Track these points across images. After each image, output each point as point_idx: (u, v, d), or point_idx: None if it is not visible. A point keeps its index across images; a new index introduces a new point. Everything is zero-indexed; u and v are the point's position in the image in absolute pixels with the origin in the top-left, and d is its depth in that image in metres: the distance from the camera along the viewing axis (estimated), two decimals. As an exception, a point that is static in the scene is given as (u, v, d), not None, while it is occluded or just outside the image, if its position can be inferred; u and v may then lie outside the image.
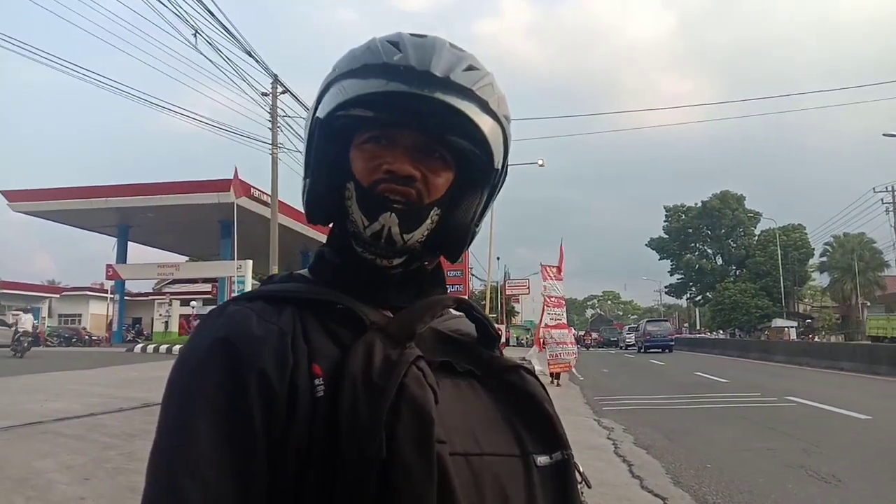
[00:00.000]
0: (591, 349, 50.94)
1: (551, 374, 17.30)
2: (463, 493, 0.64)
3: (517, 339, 57.45)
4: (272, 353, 0.67)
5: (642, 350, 42.60)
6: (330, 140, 0.79)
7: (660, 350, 40.03)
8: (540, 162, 32.42)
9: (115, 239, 36.70)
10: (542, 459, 0.71)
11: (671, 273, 73.95)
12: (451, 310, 0.85)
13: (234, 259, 27.44)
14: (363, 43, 0.79)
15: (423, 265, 0.83)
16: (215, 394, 0.65)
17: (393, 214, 0.76)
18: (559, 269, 19.34)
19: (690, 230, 70.40)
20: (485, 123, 0.76)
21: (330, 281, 0.80)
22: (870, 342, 26.96)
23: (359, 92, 0.74)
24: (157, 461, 0.65)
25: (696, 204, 70.57)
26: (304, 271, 0.85)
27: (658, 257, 73.82)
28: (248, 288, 23.77)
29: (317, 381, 0.67)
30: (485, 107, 0.76)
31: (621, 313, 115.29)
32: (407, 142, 0.76)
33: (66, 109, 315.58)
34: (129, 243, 37.42)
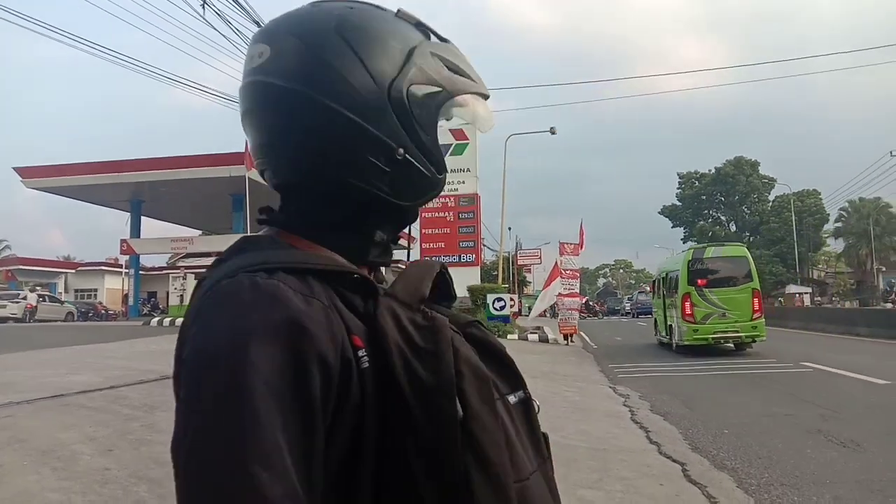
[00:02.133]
0: (600, 318, 55.00)
1: (564, 335, 20.60)
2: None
3: (529, 308, 57.54)
4: (325, 331, 0.65)
5: (634, 315, 51.61)
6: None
7: (648, 315, 41.90)
8: (552, 130, 32.10)
9: (129, 214, 36.86)
10: (511, 398, 0.77)
11: (684, 241, 73.35)
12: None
13: (246, 232, 27.51)
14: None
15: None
16: (278, 379, 0.61)
17: None
18: (578, 246, 22.42)
19: (704, 197, 69.78)
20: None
21: (316, 239, 0.79)
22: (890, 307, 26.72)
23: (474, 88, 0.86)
24: (214, 452, 0.58)
25: (709, 170, 69.84)
26: (266, 232, 0.83)
27: (671, 225, 73.33)
28: (262, 261, 24.25)
29: (360, 353, 0.67)
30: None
31: (633, 282, 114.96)
32: None
33: (78, 85, 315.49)
34: (143, 218, 37.57)
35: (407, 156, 0.78)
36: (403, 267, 0.82)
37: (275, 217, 0.84)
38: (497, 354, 0.79)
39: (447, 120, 0.89)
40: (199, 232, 44.08)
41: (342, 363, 0.65)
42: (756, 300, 16.21)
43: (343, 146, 0.75)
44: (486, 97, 0.88)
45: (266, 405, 0.59)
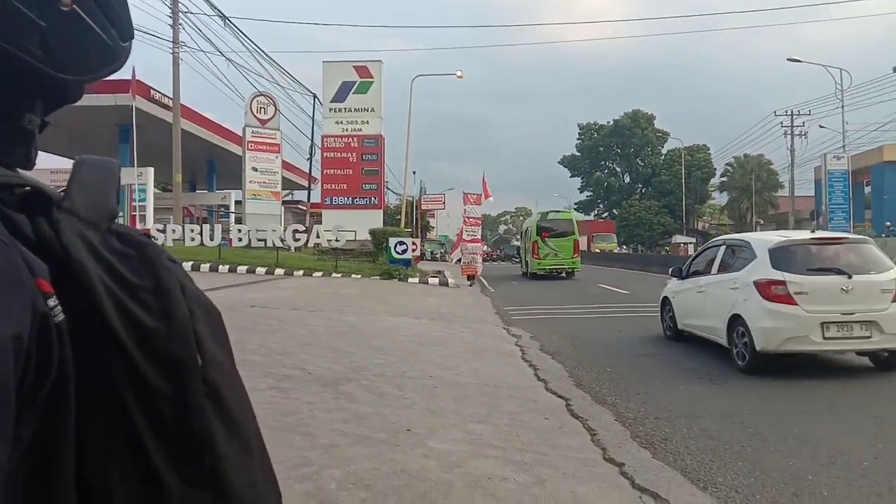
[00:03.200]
0: (496, 262, 54.74)
1: (467, 276, 23.49)
2: None
3: (431, 253, 58.05)
4: (12, 289, 0.46)
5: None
6: None
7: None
8: (459, 73, 31.87)
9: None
10: None
11: (581, 190, 75.92)
12: None
13: (134, 166, 25.97)
14: None
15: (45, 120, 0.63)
16: None
17: None
18: (480, 196, 25.38)
19: (601, 148, 71.94)
20: None
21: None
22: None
23: None
24: None
25: (608, 122, 71.90)
26: None
27: (570, 174, 75.41)
28: (150, 197, 22.37)
29: (51, 303, 0.48)
30: None
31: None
32: None
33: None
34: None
35: (76, 6, 0.53)
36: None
37: None
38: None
39: None
40: (82, 164, 41.30)
41: (40, 324, 0.47)
42: (576, 246, 26.57)
43: None
44: None
45: None
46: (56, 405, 0.49)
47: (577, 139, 73.82)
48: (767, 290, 7.17)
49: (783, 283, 7.10)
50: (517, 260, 49.01)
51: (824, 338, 6.97)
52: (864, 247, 7.65)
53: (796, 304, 7.01)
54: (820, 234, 8.80)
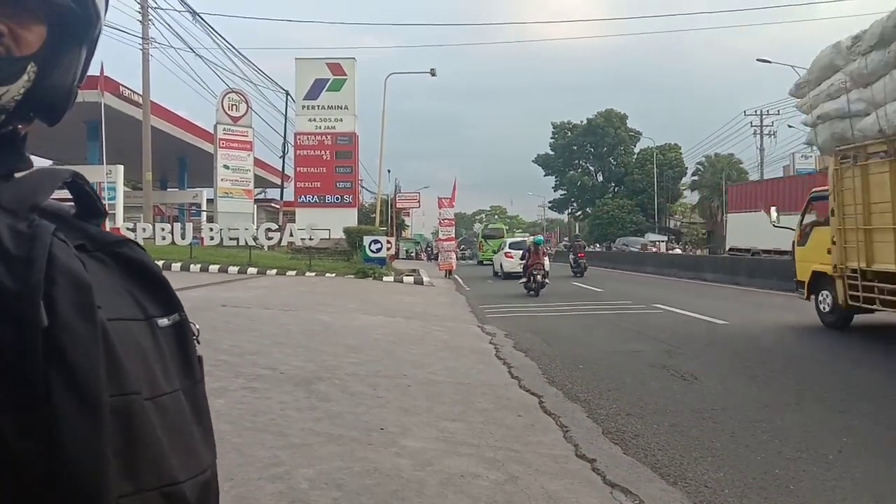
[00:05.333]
0: (461, 259, 55.21)
1: (444, 271, 26.95)
2: (115, 362, 0.65)
3: (406, 251, 57.95)
4: None
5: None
6: None
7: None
8: (432, 71, 31.81)
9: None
10: (162, 321, 0.73)
11: (555, 189, 76.27)
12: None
13: (103, 164, 25.54)
14: None
15: (17, 129, 0.74)
16: None
17: None
18: (451, 199, 30.62)
19: (575, 147, 72.35)
20: None
21: None
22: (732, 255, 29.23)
23: None
24: None
25: (581, 121, 72.35)
26: None
27: (543, 173, 75.75)
28: (120, 195, 22.16)
29: None
30: None
31: (507, 227, 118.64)
32: None
33: None
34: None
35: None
36: None
37: None
38: (150, 276, 0.74)
39: None
40: (51, 162, 40.50)
41: None
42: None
43: None
44: None
45: None
46: None
47: (551, 138, 74.16)
48: None
49: None
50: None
51: None
52: None
53: None
54: None
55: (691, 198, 68.28)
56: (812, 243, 10.85)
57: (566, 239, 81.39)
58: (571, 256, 27.79)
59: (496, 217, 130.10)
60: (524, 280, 18.36)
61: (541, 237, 22.20)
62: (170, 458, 0.68)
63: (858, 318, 10.01)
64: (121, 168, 26.24)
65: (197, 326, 0.79)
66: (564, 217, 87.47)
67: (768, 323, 11.19)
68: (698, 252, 48.13)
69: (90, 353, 0.61)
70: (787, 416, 5.54)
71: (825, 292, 10.33)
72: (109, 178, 25.61)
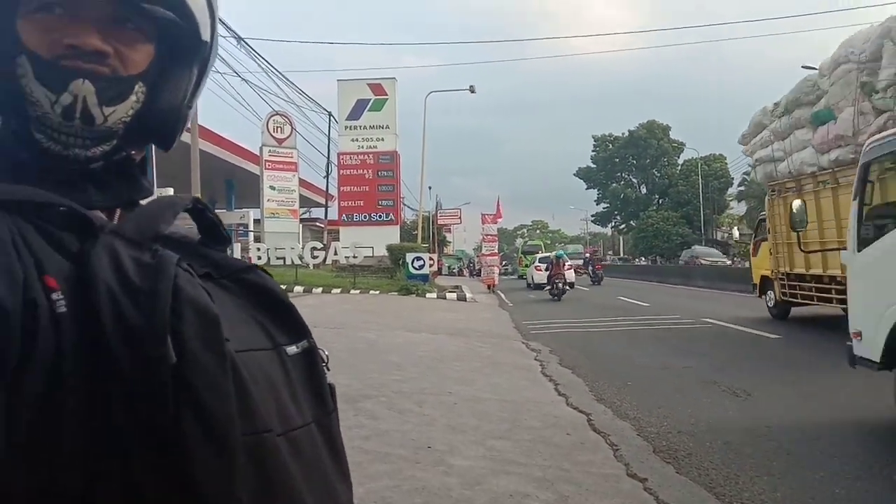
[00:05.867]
0: (504, 275, 56.18)
1: (487, 286, 27.89)
2: (239, 390, 0.62)
3: (449, 268, 58.01)
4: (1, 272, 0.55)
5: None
6: None
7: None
8: (472, 88, 32.00)
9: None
10: (291, 349, 0.70)
11: (597, 202, 75.56)
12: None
13: (153, 187, 26.31)
14: None
15: (131, 155, 0.72)
16: None
17: (87, 81, 0.63)
18: (496, 216, 31.84)
19: (617, 160, 71.68)
20: None
21: (11, 182, 0.64)
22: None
23: None
24: None
25: (623, 133, 71.69)
26: None
27: (585, 186, 75.16)
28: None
29: (54, 296, 0.57)
30: None
31: (549, 242, 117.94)
32: (91, 12, 0.63)
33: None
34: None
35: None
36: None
37: None
38: (276, 302, 0.72)
39: None
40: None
41: (26, 305, 0.55)
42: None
43: None
44: None
45: None
46: (57, 388, 0.55)
47: (592, 151, 73.64)
48: None
49: None
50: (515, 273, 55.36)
51: None
52: None
53: None
54: None
55: (738, 208, 66.86)
56: (760, 254, 14.37)
57: (609, 252, 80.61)
58: (590, 268, 33.76)
59: (538, 232, 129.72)
60: (548, 287, 22.28)
61: (562, 251, 28.33)
62: (305, 496, 0.65)
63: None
64: (170, 191, 26.90)
65: (326, 353, 0.76)
66: (608, 230, 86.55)
67: (821, 337, 10.85)
68: (747, 264, 47.12)
69: (221, 390, 0.58)
70: (846, 433, 5.36)
71: (769, 291, 13.66)
72: (160, 201, 26.32)
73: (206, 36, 0.71)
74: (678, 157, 70.02)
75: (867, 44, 9.39)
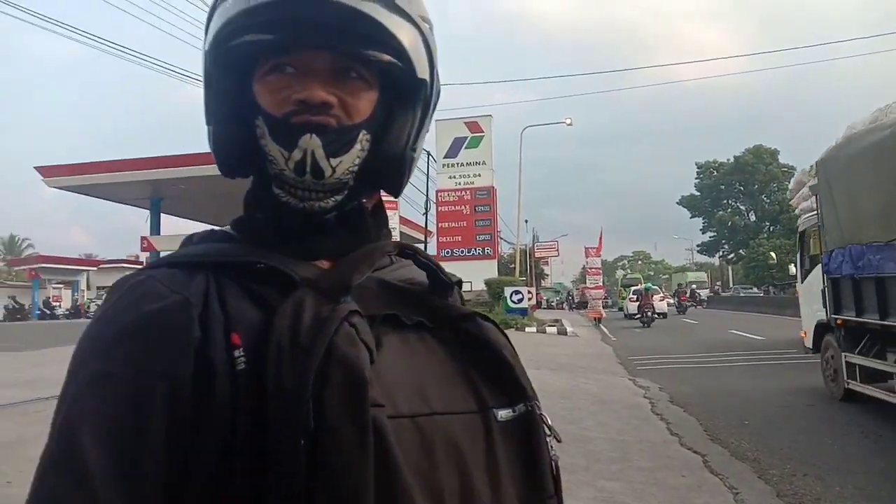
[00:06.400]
0: (605, 308, 56.46)
1: (593, 319, 28.07)
2: (409, 458, 0.58)
3: (548, 301, 57.39)
4: (171, 335, 0.59)
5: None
6: (227, 74, 0.69)
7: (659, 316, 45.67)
8: (567, 121, 31.95)
9: (149, 211, 37.24)
10: (503, 413, 0.64)
11: (703, 231, 72.81)
12: (398, 257, 0.76)
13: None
14: None
15: (362, 203, 0.73)
16: (101, 396, 0.58)
17: (314, 136, 0.65)
18: (598, 248, 32.01)
19: (723, 186, 69.04)
20: (397, 26, 0.66)
21: (254, 236, 0.71)
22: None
23: (241, 7, 0.63)
24: (42, 463, 0.57)
25: (728, 160, 69.13)
26: (228, 227, 0.75)
27: (690, 215, 72.69)
28: (281, 256, 24.22)
29: (236, 353, 0.59)
30: (391, 6, 0.66)
31: (652, 273, 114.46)
32: (316, 65, 0.66)
33: (93, 83, 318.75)
34: (163, 215, 37.94)
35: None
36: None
37: None
38: (493, 357, 0.67)
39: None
40: (207, 226, 44.41)
41: (200, 364, 0.59)
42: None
43: None
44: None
45: (89, 429, 0.56)
46: (232, 442, 0.58)
47: (696, 178, 71.28)
48: None
49: None
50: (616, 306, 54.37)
51: None
52: None
53: None
54: None
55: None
56: None
57: (717, 284, 77.35)
58: (676, 299, 36.84)
59: (639, 262, 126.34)
60: (638, 316, 25.53)
61: (650, 284, 30.76)
62: None
63: None
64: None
65: (550, 422, 0.68)
66: (715, 260, 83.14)
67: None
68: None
69: (356, 461, 0.55)
70: None
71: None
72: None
73: (423, 74, 0.70)
74: (789, 182, 66.69)
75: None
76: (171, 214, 39.74)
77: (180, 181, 31.22)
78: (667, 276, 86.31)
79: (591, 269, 31.48)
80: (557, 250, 62.54)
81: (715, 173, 69.80)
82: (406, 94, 0.71)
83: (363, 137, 0.68)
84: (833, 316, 7.83)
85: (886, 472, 5.17)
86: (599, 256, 31.96)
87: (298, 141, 0.65)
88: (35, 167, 33.67)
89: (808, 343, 9.24)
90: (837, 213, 7.51)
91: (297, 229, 0.70)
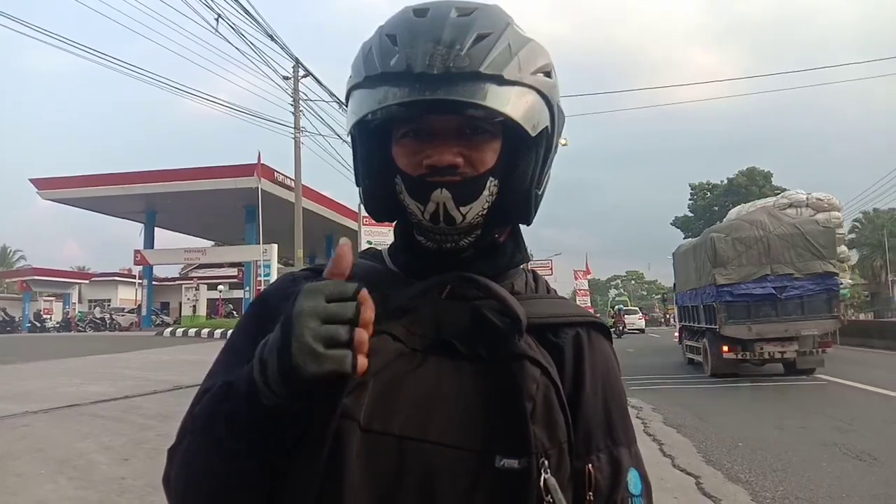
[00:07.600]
0: None
1: None
2: (374, 474, 0.66)
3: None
4: (280, 292, 0.80)
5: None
6: (370, 141, 0.79)
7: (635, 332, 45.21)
8: (563, 141, 32.07)
9: (143, 225, 37.15)
10: (507, 462, 0.66)
11: (696, 252, 73.19)
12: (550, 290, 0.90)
13: (259, 243, 27.64)
14: (370, 38, 0.77)
15: (495, 238, 0.81)
16: (245, 320, 0.85)
17: (444, 190, 0.73)
18: (586, 271, 37.51)
19: (716, 207, 69.27)
20: (503, 101, 0.71)
21: (401, 265, 0.84)
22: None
23: (370, 108, 0.72)
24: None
25: (721, 181, 69.57)
26: (384, 249, 0.89)
27: (683, 236, 72.95)
28: (274, 272, 23.97)
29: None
30: (500, 80, 0.71)
31: (645, 293, 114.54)
32: (443, 126, 0.74)
33: (88, 97, 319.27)
34: (157, 229, 37.86)
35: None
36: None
37: None
38: (512, 404, 0.70)
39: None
40: (212, 243, 44.32)
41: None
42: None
43: None
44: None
45: (240, 327, 0.85)
46: None
47: (690, 199, 71.66)
48: None
49: None
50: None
51: None
52: None
53: None
54: None
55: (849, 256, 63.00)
56: None
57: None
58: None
59: (632, 282, 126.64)
60: (613, 330, 29.72)
61: (621, 306, 39.19)
62: None
63: None
64: (275, 247, 28.26)
65: (546, 475, 0.68)
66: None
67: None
68: (861, 316, 44.10)
69: (306, 461, 0.69)
70: None
71: None
72: (265, 256, 27.67)
73: (539, 128, 0.76)
74: (782, 204, 67.13)
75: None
76: (165, 228, 39.69)
77: (174, 195, 31.14)
78: (659, 295, 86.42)
79: (579, 290, 35.32)
80: (552, 269, 62.57)
81: (708, 195, 70.22)
82: (528, 141, 0.76)
83: (490, 184, 0.76)
84: (681, 323, 17.26)
85: (881, 496, 5.15)
86: (587, 279, 35.44)
87: (431, 195, 0.74)
88: (30, 179, 33.63)
89: (678, 340, 18.17)
90: (678, 276, 17.11)
91: (434, 266, 0.79)
